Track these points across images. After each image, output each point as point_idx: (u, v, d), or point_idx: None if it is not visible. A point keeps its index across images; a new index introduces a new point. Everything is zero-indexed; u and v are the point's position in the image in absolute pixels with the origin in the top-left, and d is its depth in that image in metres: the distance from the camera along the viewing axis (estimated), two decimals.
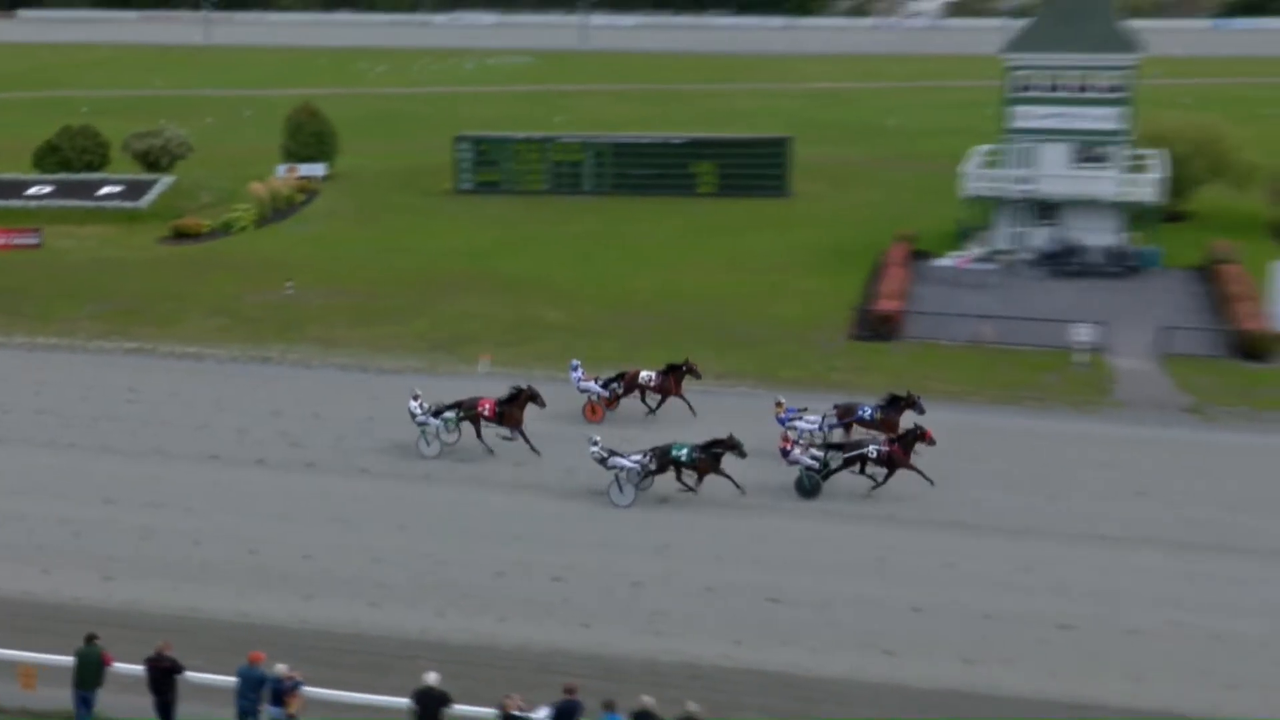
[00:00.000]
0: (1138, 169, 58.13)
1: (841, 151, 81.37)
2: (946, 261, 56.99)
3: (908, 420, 37.39)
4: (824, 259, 58.27)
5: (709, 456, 34.65)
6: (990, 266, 56.33)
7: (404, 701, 23.76)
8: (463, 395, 38.83)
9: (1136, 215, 57.28)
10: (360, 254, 59.74)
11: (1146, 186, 56.97)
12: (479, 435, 38.21)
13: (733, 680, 26.71)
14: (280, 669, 23.85)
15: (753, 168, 70.72)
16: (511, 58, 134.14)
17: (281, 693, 23.69)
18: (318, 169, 73.37)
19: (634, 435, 37.89)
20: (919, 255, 57.33)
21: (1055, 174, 57.17)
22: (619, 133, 76.80)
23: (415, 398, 38.29)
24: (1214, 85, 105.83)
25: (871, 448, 35.66)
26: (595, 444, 35.11)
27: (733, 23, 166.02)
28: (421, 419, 37.95)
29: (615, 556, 31.89)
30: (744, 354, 46.47)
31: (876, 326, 48.45)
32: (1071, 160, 57.18)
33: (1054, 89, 57.01)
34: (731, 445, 34.73)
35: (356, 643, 28.13)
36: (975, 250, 58.00)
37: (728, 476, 34.76)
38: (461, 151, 72.14)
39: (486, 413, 37.90)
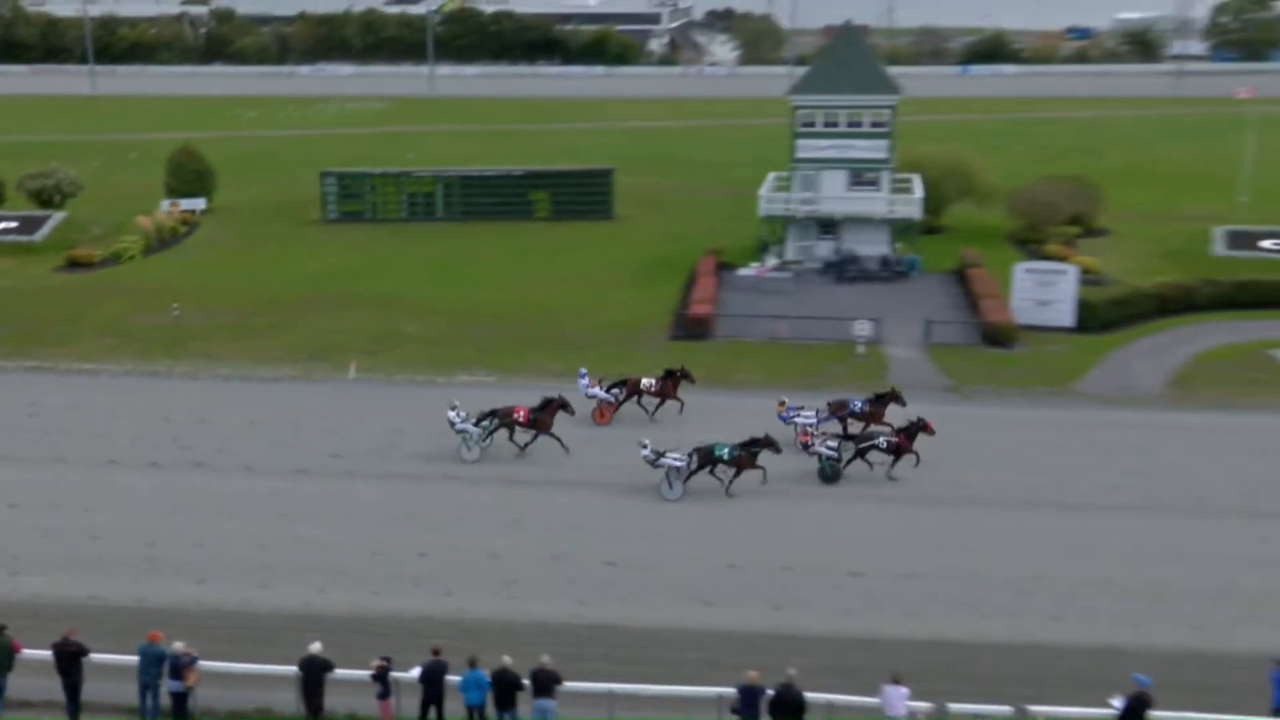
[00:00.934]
0: (901, 190, 59.70)
1: (657, 180, 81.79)
2: (748, 271, 57.72)
3: (894, 412, 37.37)
4: (645, 272, 58.54)
5: (747, 454, 33.85)
6: (784, 275, 57.22)
7: (291, 669, 23.23)
8: (499, 404, 37.21)
9: (902, 229, 58.76)
10: (238, 278, 58.01)
11: (909, 205, 58.57)
12: (512, 438, 36.81)
13: (578, 635, 26.74)
14: (177, 646, 23.09)
15: (581, 195, 70.66)
16: (369, 103, 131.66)
17: (179, 667, 22.95)
18: (198, 203, 70.99)
19: (683, 436, 35.98)
20: (725, 267, 57.90)
21: (835, 196, 58.30)
22: (466, 167, 75.93)
23: (453, 408, 36.36)
24: (960, 121, 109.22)
25: (882, 439, 35.22)
26: (645, 446, 33.99)
27: (560, 71, 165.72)
28: (460, 427, 36.13)
29: (472, 532, 31.65)
30: (579, 355, 46.32)
31: (691, 328, 48.87)
32: (848, 184, 58.39)
33: (831, 125, 58.16)
34: (768, 443, 34.00)
35: (246, 620, 27.42)
36: (771, 261, 58.87)
37: (758, 468, 34.10)
38: (327, 186, 70.57)
39: (521, 419, 36.53)
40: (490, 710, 23.04)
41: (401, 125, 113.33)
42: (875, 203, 58.20)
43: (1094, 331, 48.32)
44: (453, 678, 22.93)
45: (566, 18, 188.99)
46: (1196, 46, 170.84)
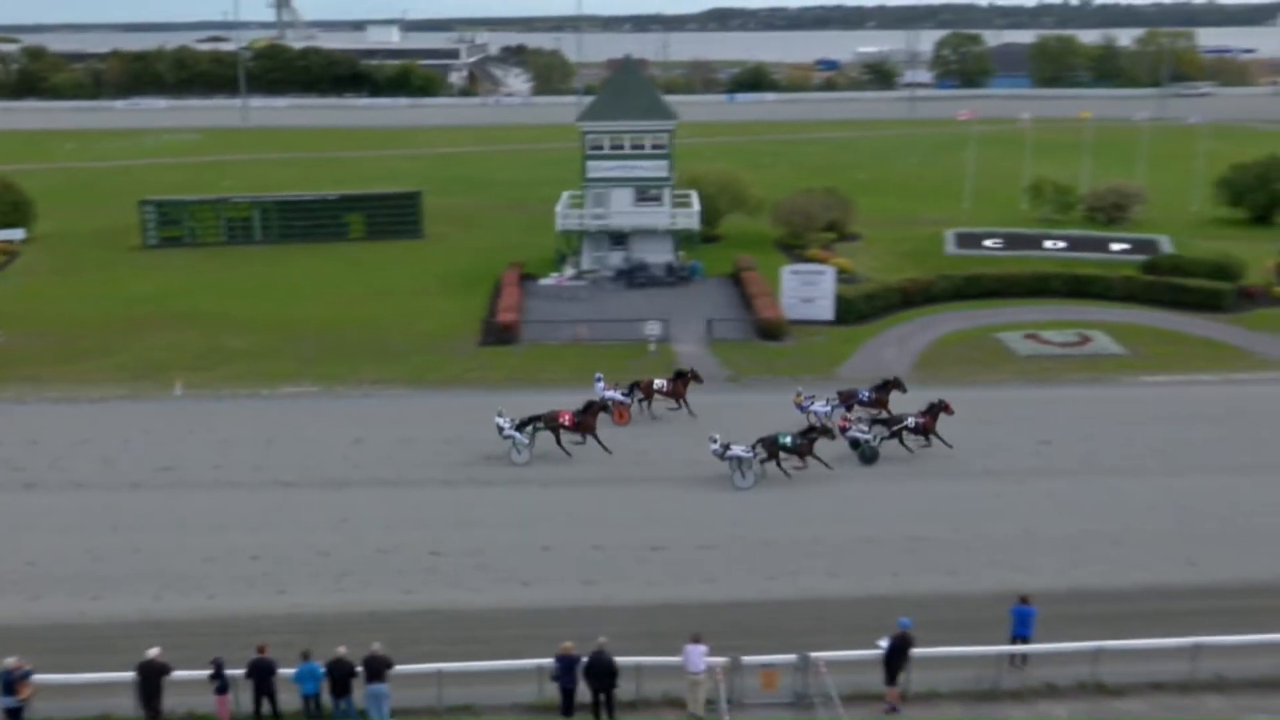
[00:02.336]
0: (682, 204, 60.62)
1: (462, 201, 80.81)
2: (549, 281, 57.61)
3: (896, 400, 37.66)
4: (454, 284, 57.70)
5: (807, 441, 33.63)
6: (581, 283, 57.36)
7: (129, 675, 21.90)
8: (543, 409, 36.23)
9: (684, 239, 59.70)
10: (61, 303, 54.39)
11: (689, 217, 59.52)
12: (559, 442, 35.47)
13: (407, 621, 26.07)
14: (9, 661, 21.46)
15: (393, 216, 69.12)
16: (184, 135, 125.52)
17: (11, 682, 21.34)
18: (17, 233, 66.28)
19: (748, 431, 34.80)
20: (528, 277, 57.65)
21: (623, 211, 58.80)
22: (281, 192, 73.32)
23: (500, 415, 35.18)
24: (729, 142, 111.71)
25: (910, 420, 35.42)
26: (715, 440, 33.45)
27: (368, 102, 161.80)
28: (508, 432, 34.82)
29: (303, 533, 30.48)
30: (396, 363, 45.41)
31: (499, 334, 48.39)
32: (634, 200, 58.96)
33: (616, 148, 58.56)
34: (824, 431, 34.13)
35: (83, 631, 25.67)
36: (569, 271, 58.91)
37: (819, 459, 33.89)
38: (146, 213, 66.84)
39: (566, 422, 35.35)
40: (326, 699, 22.26)
41: (217, 155, 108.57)
42: (659, 216, 58.90)
43: (851, 323, 50.03)
44: (287, 671, 22.04)
45: (371, 53, 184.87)
46: (925, 76, 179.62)
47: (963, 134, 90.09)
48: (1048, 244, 62.25)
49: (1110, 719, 22.49)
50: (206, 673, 22.02)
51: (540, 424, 35.46)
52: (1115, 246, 61.47)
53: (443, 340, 48.48)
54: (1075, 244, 62.12)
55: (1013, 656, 23.77)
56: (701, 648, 22.55)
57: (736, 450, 33.19)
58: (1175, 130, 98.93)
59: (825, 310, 50.37)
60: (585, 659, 22.18)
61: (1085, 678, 23.36)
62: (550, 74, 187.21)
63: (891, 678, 22.76)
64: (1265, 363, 44.85)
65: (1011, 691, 23.27)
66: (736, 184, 68.23)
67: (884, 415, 36.98)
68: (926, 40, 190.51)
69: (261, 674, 21.93)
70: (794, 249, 63.16)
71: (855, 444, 35.29)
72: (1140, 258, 58.09)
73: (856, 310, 50.73)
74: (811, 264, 54.93)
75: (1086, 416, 38.84)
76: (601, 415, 36.45)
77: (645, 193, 58.88)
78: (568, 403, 36.88)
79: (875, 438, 35.30)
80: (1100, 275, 54.88)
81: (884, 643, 22.76)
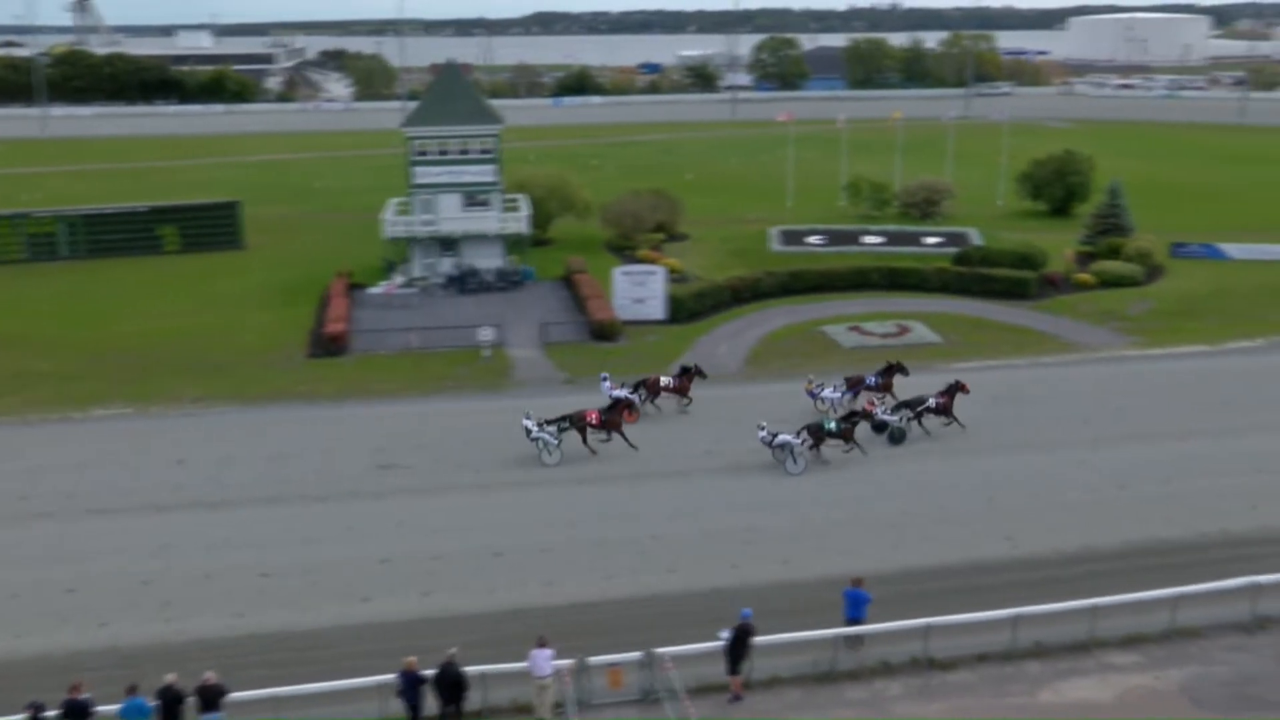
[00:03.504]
0: (511, 209, 60.25)
1: (284, 210, 78.33)
2: (377, 289, 56.38)
3: (899, 383, 39.25)
4: (278, 296, 55.88)
5: (850, 425, 34.66)
6: (411, 290, 56.34)
7: None
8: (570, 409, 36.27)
9: (514, 243, 59.36)
10: None
11: (519, 221, 59.20)
12: (585, 441, 35.43)
13: (239, 646, 25.05)
14: None
15: (210, 227, 66.46)
16: None
17: None
18: None
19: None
20: (355, 286, 56.28)
21: (452, 216, 58.06)
22: (88, 205, 69.50)
23: (528, 417, 35.21)
24: (557, 146, 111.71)
25: (931, 400, 36.88)
26: (762, 428, 34.34)
27: (179, 109, 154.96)
28: (536, 434, 34.82)
29: (122, 561, 28.92)
30: (218, 379, 43.63)
31: (327, 345, 47.06)
32: (462, 205, 58.28)
33: (443, 153, 57.79)
34: (866, 415, 35.52)
35: None
36: (399, 279, 57.80)
37: (856, 444, 34.87)
38: None
39: (593, 421, 35.48)
40: None
41: (14, 168, 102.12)
42: (488, 221, 58.39)
43: (682, 321, 50.71)
44: (110, 708, 20.85)
45: (182, 58, 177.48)
46: (744, 79, 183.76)
47: (782, 135, 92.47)
48: (866, 239, 64.53)
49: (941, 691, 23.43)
50: (21, 715, 20.61)
51: (568, 424, 35.55)
52: (929, 240, 64.20)
53: (267, 354, 46.86)
54: (892, 239, 64.60)
55: (848, 638, 24.47)
56: (547, 651, 22.41)
57: (784, 438, 34.14)
58: (980, 128, 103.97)
59: (657, 310, 50.88)
60: (434, 671, 21.75)
61: (917, 654, 24.24)
62: (372, 79, 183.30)
63: (734, 667, 23.11)
64: (1068, 345, 47.54)
65: (849, 672, 23.94)
66: (565, 187, 68.25)
67: (890, 398, 38.80)
68: (745, 44, 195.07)
69: (76, 715, 20.66)
70: (624, 250, 63.61)
71: (883, 426, 36.55)
72: (952, 250, 60.81)
73: (687, 309, 51.43)
74: (642, 265, 55.46)
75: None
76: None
77: (473, 198, 58.27)
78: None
79: (901, 419, 36.75)
80: (916, 268, 57.20)
81: (726, 634, 23.10)
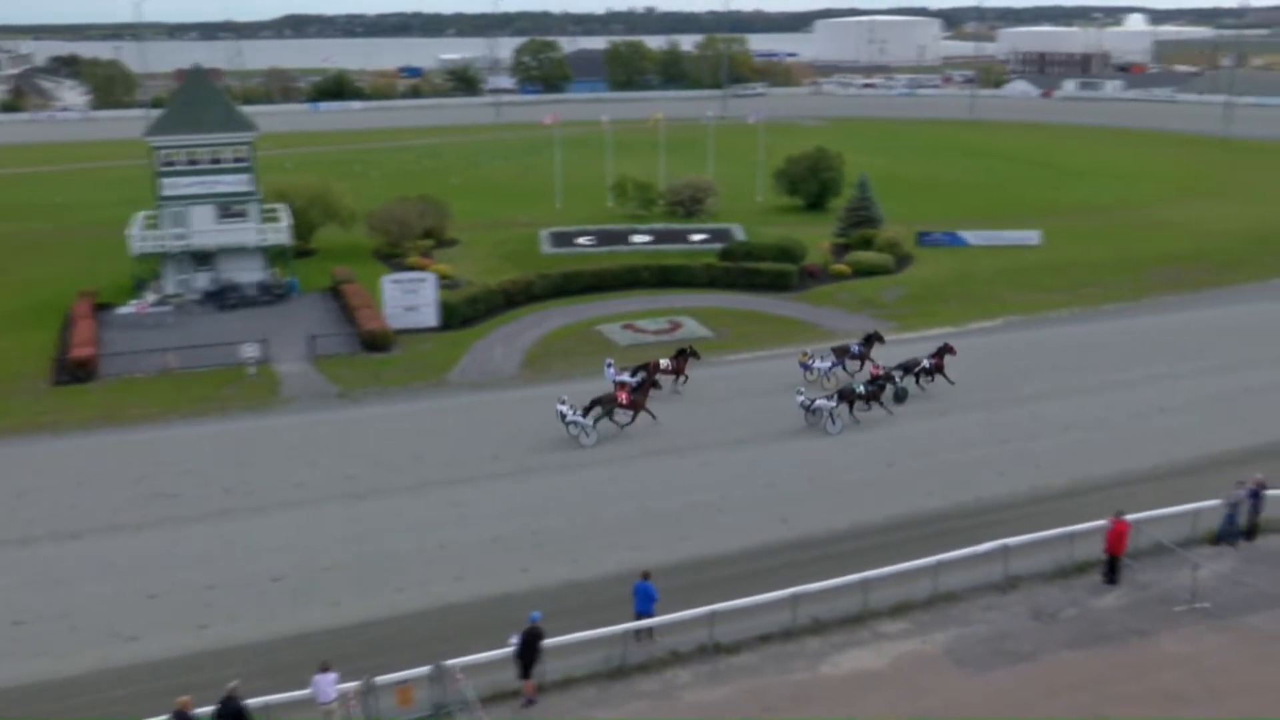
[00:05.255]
0: (271, 219, 58.09)
1: (15, 227, 72.67)
2: (128, 309, 53.08)
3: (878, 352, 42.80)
4: (14, 320, 51.79)
5: (876, 388, 38.19)
6: (166, 309, 53.36)
7: None
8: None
9: (276, 254, 57.24)
10: None
11: (279, 232, 57.12)
12: (611, 418, 37.32)
13: None
14: None
15: None
16: None
17: None
18: None
19: None
20: (103, 307, 52.84)
21: (206, 229, 55.41)
22: None
23: (562, 402, 36.91)
24: (318, 152, 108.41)
25: (926, 361, 40.97)
26: (801, 393, 37.97)
27: None
28: (572, 419, 36.43)
29: None
30: None
31: (74, 371, 43.94)
32: (217, 217, 55.73)
33: (193, 163, 55.05)
34: (889, 379, 38.98)
35: None
36: (151, 297, 54.64)
37: (882, 404, 38.61)
38: None
39: (623, 401, 37.25)
40: None
41: None
42: (246, 233, 56.08)
43: (456, 328, 50.24)
44: None
45: None
46: (507, 81, 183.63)
47: (548, 137, 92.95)
48: (635, 238, 65.76)
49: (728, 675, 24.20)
50: None
51: (603, 407, 37.06)
52: (695, 237, 66.03)
53: (5, 384, 43.37)
54: (659, 237, 66.06)
55: (638, 632, 24.88)
56: (331, 676, 21.76)
57: (821, 402, 37.34)
58: (737, 127, 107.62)
59: (430, 317, 50.23)
60: (214, 707, 20.69)
61: (704, 641, 24.92)
62: (111, 86, 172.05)
63: (525, 671, 23.10)
64: (831, 333, 49.91)
65: (639, 665, 24.35)
66: (327, 195, 66.38)
67: (870, 364, 42.06)
68: (506, 47, 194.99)
69: None
70: (393, 258, 62.48)
71: (887, 383, 39.50)
72: (717, 246, 62.76)
73: (461, 314, 51.01)
74: (412, 272, 54.61)
75: (686, 397, 41.42)
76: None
77: (229, 209, 55.82)
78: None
79: (899, 379, 40.07)
80: (684, 265, 58.75)
81: (515, 639, 23.06)
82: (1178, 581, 27.01)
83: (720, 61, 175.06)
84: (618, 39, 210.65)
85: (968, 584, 27.18)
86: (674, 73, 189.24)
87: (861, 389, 38.29)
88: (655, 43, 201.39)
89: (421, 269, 55.97)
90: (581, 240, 65.72)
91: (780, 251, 60.09)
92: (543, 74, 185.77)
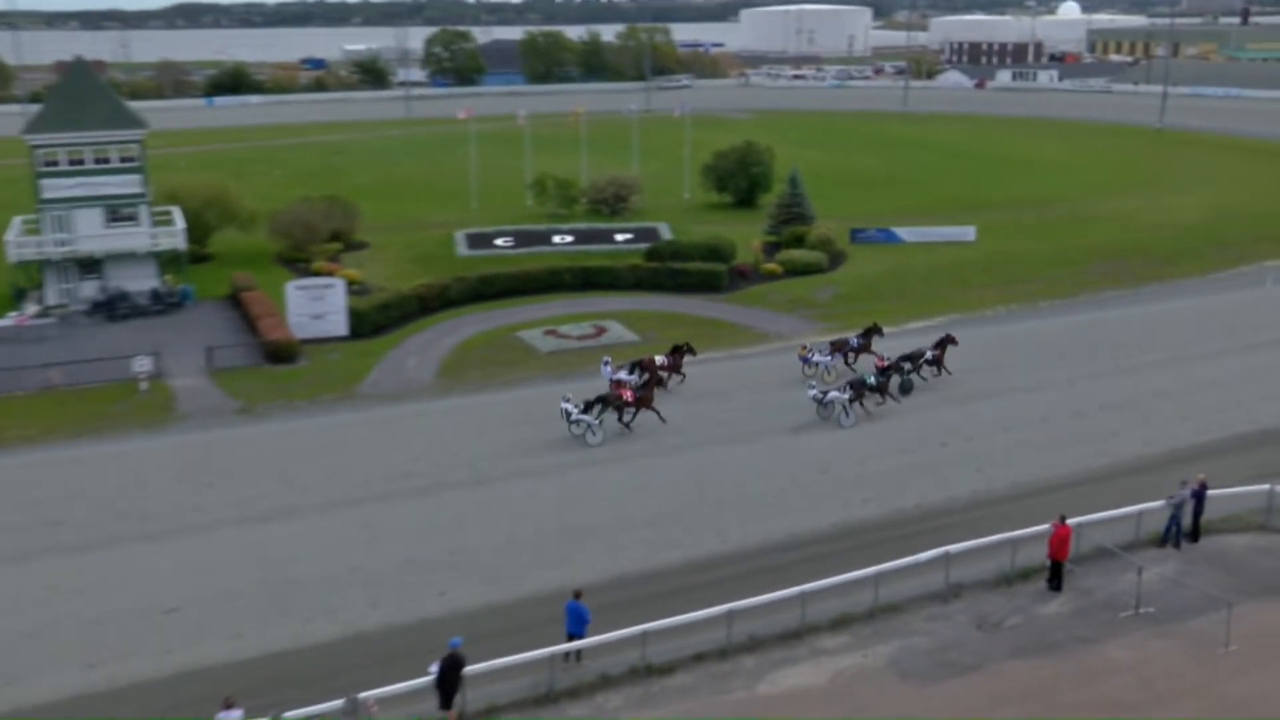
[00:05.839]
0: (163, 223, 56.85)
1: None
2: (6, 321, 51.46)
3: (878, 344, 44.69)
4: None
5: (886, 379, 40.20)
6: (47, 320, 51.85)
7: None
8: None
9: (169, 260, 56.03)
10: None
11: (172, 236, 55.90)
12: (620, 419, 38.32)
13: None
14: None
15: None
16: None
17: None
18: None
19: None
20: None
21: (92, 234, 54.03)
22: None
23: (567, 400, 37.71)
24: (214, 150, 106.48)
25: (928, 353, 42.89)
26: (813, 387, 39.34)
27: None
28: (577, 417, 37.24)
29: None
30: None
31: None
32: (105, 221, 54.38)
33: (76, 163, 53.64)
34: (897, 368, 41.19)
35: None
36: (31, 308, 53.10)
37: (892, 395, 40.52)
38: None
39: (629, 399, 38.08)
40: None
41: None
42: (137, 238, 54.82)
43: (367, 336, 49.64)
44: None
45: None
46: (418, 74, 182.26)
47: (462, 132, 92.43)
48: (556, 239, 65.59)
49: (661, 698, 24.13)
50: None
51: (606, 404, 37.89)
52: (619, 237, 66.05)
53: None
54: (582, 237, 65.96)
55: (566, 654, 24.71)
56: (235, 712, 21.28)
57: (834, 394, 38.69)
58: (662, 121, 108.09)
59: (338, 325, 49.58)
60: None
61: (636, 662, 24.82)
62: None
63: (446, 701, 22.79)
64: (762, 336, 50.26)
65: (568, 690, 24.18)
66: (225, 196, 65.24)
67: (861, 358, 44.57)
68: (416, 37, 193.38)
69: None
70: (297, 263, 61.60)
71: (894, 374, 41.40)
72: (643, 246, 62.85)
73: (372, 322, 50.43)
74: (318, 277, 53.88)
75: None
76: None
77: (117, 212, 54.52)
78: None
79: (905, 370, 41.85)
80: (608, 266, 58.73)
81: (434, 667, 22.76)
82: (1122, 586, 27.58)
83: (643, 52, 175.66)
84: (535, 29, 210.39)
85: (909, 594, 27.47)
86: (595, 64, 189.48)
87: (872, 380, 40.08)
88: (574, 32, 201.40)
89: (328, 274, 55.20)
90: (499, 242, 65.35)
91: (709, 251, 60.36)
92: (455, 66, 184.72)
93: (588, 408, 37.85)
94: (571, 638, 24.74)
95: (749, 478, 34.86)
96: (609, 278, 57.78)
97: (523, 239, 65.56)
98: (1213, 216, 76.62)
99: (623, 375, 41.18)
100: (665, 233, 66.55)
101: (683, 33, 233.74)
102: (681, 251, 60.50)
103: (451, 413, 40.88)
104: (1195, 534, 30.15)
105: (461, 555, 30.13)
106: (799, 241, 64.86)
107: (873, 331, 45.90)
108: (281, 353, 46.65)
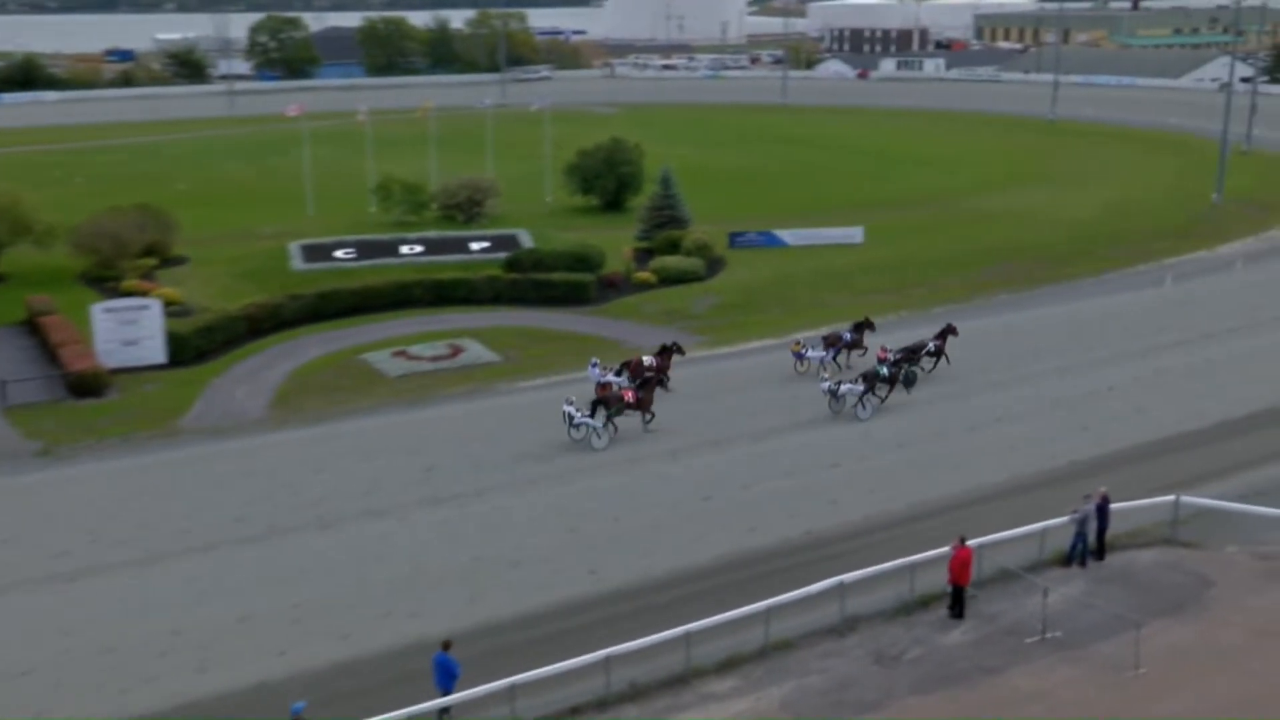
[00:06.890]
0: None
1: None
2: None
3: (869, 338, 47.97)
4: None
5: (897, 370, 43.20)
6: None
7: None
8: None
9: None
10: None
11: None
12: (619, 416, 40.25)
13: None
14: None
15: None
16: None
17: None
18: None
19: None
20: None
21: None
22: None
23: (569, 403, 39.68)
24: (1, 155, 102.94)
25: (931, 343, 46.45)
26: (826, 380, 42.54)
27: None
28: (579, 420, 39.30)
29: None
30: None
31: None
32: None
33: None
34: (908, 359, 44.44)
35: None
36: None
37: (903, 386, 43.60)
38: None
39: (630, 400, 40.22)
40: None
41: None
42: None
43: (189, 364, 48.57)
44: None
45: None
46: (242, 66, 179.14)
47: (294, 131, 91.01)
48: (404, 249, 64.88)
49: None
50: None
51: (609, 407, 39.80)
52: (475, 246, 65.69)
53: None
54: (433, 246, 65.42)
55: (440, 712, 24.37)
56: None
57: (847, 387, 41.65)
58: (520, 116, 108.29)
59: (155, 352, 48.41)
60: None
61: (505, 717, 24.63)
62: None
63: None
64: (637, 350, 50.41)
65: None
66: (17, 208, 63.09)
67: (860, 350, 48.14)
68: (238, 25, 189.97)
69: None
70: (105, 282, 59.94)
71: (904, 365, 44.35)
72: (502, 255, 62.70)
73: (194, 347, 49.37)
74: (130, 298, 52.43)
75: (468, 434, 41.11)
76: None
77: None
78: None
79: (906, 363, 44.48)
80: (464, 278, 58.46)
81: None
82: (1027, 610, 28.46)
83: (497, 41, 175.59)
84: (375, 15, 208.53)
85: (802, 629, 27.87)
86: (443, 54, 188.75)
87: (885, 371, 42.79)
88: (420, 19, 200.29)
89: (142, 294, 53.74)
90: (340, 254, 64.38)
91: (575, 259, 60.53)
92: (284, 57, 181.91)
93: (593, 410, 39.90)
94: (444, 694, 24.43)
95: (624, 507, 35.06)
96: (465, 291, 57.51)
97: (366, 250, 64.71)
98: (1109, 212, 79.98)
99: (611, 378, 43.17)
100: (526, 240, 66.46)
101: (540, 19, 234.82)
102: (544, 261, 60.54)
103: (288, 448, 40.11)
104: (1100, 551, 31.31)
105: (305, 609, 29.53)
106: (673, 247, 65.50)
107: (865, 326, 49.09)
108: (87, 385, 45.24)
